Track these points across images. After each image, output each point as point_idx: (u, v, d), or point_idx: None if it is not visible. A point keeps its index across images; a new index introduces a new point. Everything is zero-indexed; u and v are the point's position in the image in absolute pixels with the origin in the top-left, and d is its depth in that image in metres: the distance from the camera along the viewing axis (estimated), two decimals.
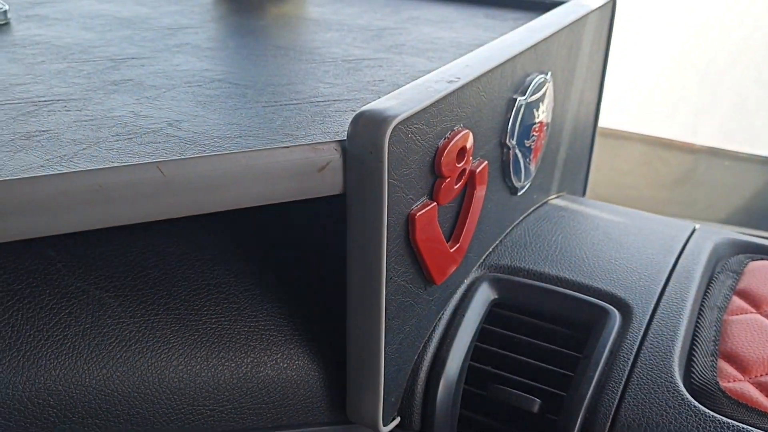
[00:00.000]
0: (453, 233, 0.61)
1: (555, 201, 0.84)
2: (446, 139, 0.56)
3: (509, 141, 0.66)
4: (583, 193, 0.95)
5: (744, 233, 0.98)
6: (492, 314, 0.66)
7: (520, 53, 0.65)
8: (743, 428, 0.54)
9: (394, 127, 0.49)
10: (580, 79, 0.83)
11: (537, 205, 0.80)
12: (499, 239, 0.72)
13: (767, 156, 1.09)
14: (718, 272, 0.72)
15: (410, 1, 0.92)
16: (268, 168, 0.50)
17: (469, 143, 0.58)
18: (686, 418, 0.55)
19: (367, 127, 0.49)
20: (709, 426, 0.54)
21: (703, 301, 0.67)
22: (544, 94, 0.70)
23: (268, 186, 0.50)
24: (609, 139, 1.19)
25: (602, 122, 1.09)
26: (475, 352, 0.64)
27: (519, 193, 0.73)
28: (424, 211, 0.55)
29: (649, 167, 1.15)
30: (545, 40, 0.70)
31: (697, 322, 0.65)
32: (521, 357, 0.63)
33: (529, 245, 0.72)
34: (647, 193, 1.15)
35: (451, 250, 0.60)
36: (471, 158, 0.59)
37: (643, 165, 1.16)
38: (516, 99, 0.66)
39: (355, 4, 0.91)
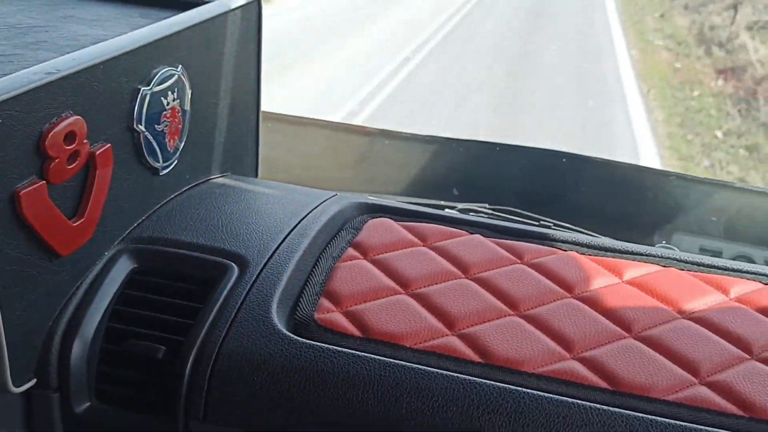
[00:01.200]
0: (78, 210, 0.68)
1: (217, 180, 0.94)
2: (52, 124, 0.63)
3: (137, 126, 0.75)
4: (255, 174, 1.06)
5: (402, 200, 1.15)
6: (134, 280, 0.74)
7: (139, 48, 0.73)
8: (319, 346, 0.67)
9: None
10: (229, 70, 0.93)
11: (193, 184, 0.89)
12: (146, 215, 0.80)
13: (426, 135, 1.28)
14: (343, 230, 0.86)
15: (71, 1, 0.97)
16: None
17: (81, 128, 0.66)
18: (276, 344, 0.67)
19: None
20: (293, 347, 0.66)
21: (322, 253, 0.81)
22: (173, 84, 0.79)
23: None
24: (297, 126, 1.32)
25: (289, 111, 1.21)
26: (115, 315, 0.72)
27: (162, 173, 0.81)
28: (30, 189, 0.61)
29: (334, 150, 1.30)
30: (171, 36, 0.79)
31: (312, 269, 0.78)
32: (155, 314, 0.72)
33: (173, 218, 0.81)
34: (334, 173, 1.30)
35: (75, 225, 0.68)
36: (86, 141, 0.67)
37: (329, 148, 1.31)
38: (140, 89, 0.74)
39: (14, 3, 0.94)
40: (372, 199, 0.95)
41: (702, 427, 0.61)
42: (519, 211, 1.20)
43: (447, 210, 1.18)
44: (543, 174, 1.22)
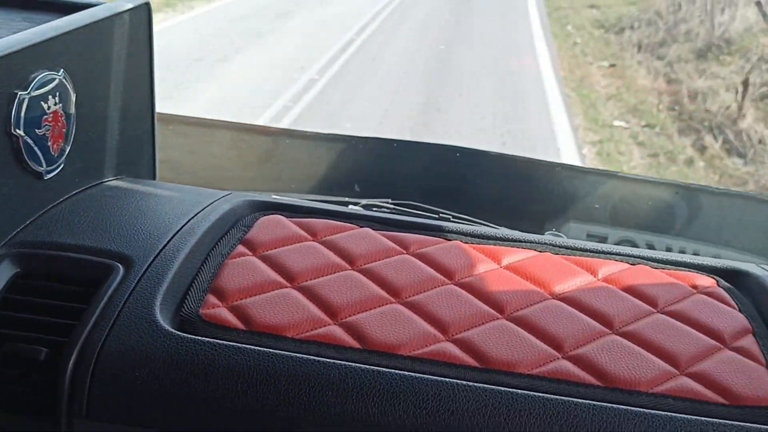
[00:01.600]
0: None
1: (110, 183, 0.94)
2: None
3: (15, 131, 0.75)
4: (153, 176, 1.06)
5: (309, 198, 1.18)
6: (16, 284, 0.74)
7: (15, 52, 0.74)
8: (201, 340, 0.68)
9: None
10: (119, 74, 0.94)
11: (84, 187, 0.89)
12: (31, 219, 0.80)
13: (327, 133, 1.31)
14: (234, 228, 0.88)
15: None
16: None
17: None
18: (158, 340, 0.68)
19: None
20: (175, 343, 0.68)
21: (211, 251, 0.82)
22: (55, 88, 0.80)
23: None
24: (200, 128, 1.33)
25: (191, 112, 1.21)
26: None
27: (47, 177, 0.81)
28: None
29: (238, 150, 1.32)
30: (50, 40, 0.79)
31: (201, 267, 0.79)
32: (38, 317, 0.72)
33: (60, 221, 0.81)
34: (239, 174, 1.31)
35: None
36: None
37: (233, 149, 1.32)
38: (17, 93, 0.75)
39: None
40: (274, 197, 0.97)
41: (561, 397, 0.65)
42: (420, 204, 1.24)
43: (351, 206, 1.21)
44: (441, 168, 1.27)
